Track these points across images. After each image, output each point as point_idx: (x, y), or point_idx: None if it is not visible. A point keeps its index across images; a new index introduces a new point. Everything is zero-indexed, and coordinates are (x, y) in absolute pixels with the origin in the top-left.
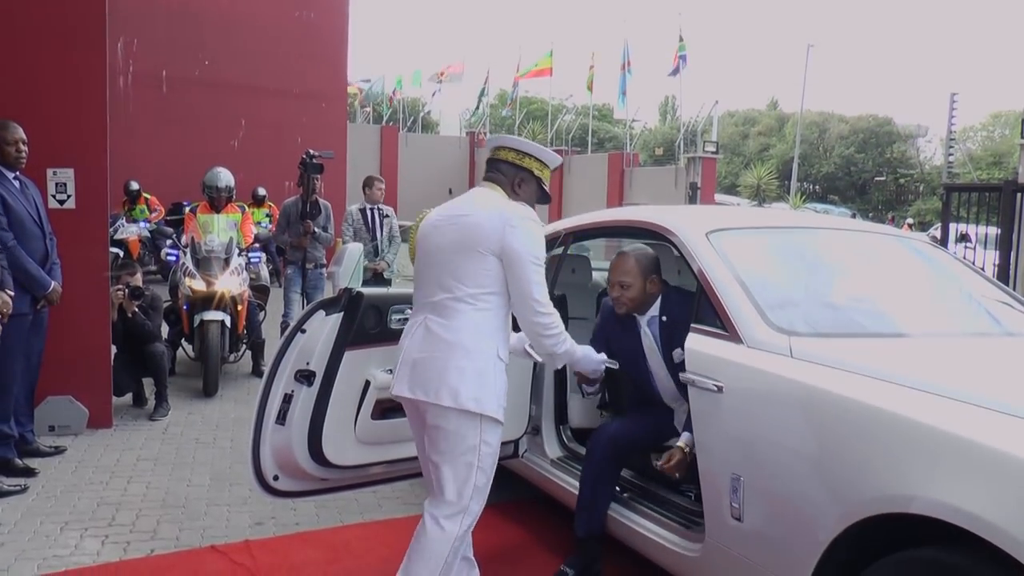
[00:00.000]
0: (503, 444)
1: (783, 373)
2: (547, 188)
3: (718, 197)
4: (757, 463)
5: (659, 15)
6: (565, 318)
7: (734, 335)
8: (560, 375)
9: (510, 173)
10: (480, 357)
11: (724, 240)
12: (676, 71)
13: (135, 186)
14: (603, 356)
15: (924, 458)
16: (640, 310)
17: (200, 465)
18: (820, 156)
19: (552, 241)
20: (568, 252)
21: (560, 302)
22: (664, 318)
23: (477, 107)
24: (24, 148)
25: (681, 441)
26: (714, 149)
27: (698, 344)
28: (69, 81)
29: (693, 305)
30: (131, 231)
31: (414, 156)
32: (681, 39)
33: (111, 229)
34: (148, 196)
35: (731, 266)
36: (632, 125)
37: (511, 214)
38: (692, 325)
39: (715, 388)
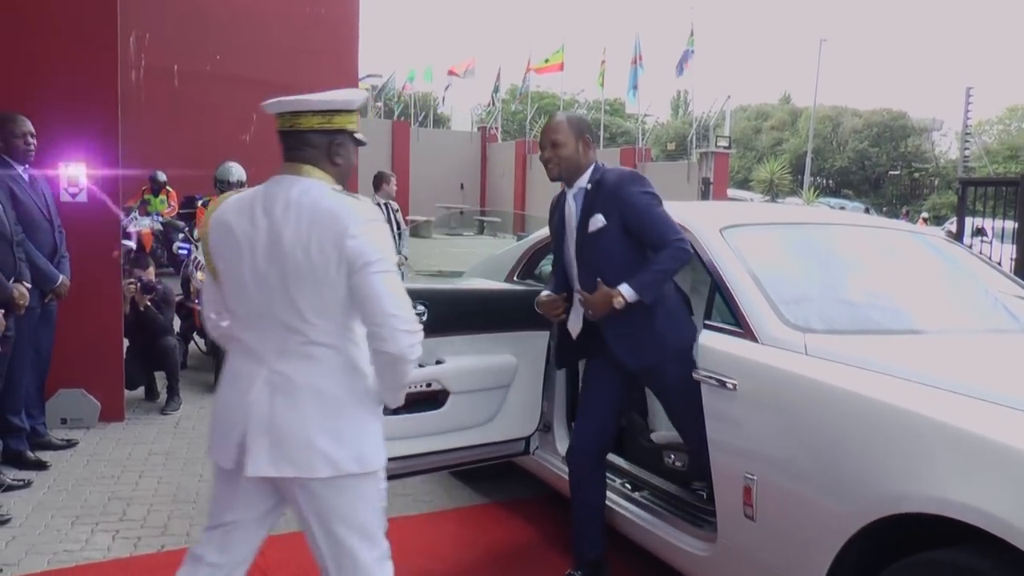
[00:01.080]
0: (514, 441)
1: (798, 371)
2: (361, 135)
3: (731, 192)
4: (771, 462)
5: (673, 8)
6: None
7: (748, 332)
8: (572, 372)
9: (323, 143)
10: (353, 407)
11: (738, 236)
12: (681, 71)
13: (162, 177)
14: None
15: (941, 457)
16: (571, 177)
17: (210, 462)
18: (834, 150)
19: None
20: None
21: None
22: (589, 186)
23: (491, 103)
24: (32, 141)
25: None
26: (726, 144)
27: (712, 341)
28: (81, 76)
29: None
30: (144, 224)
31: (426, 151)
32: (692, 34)
33: (124, 222)
34: (171, 190)
35: (745, 262)
36: (644, 120)
37: (347, 221)
38: (705, 322)
39: (729, 386)
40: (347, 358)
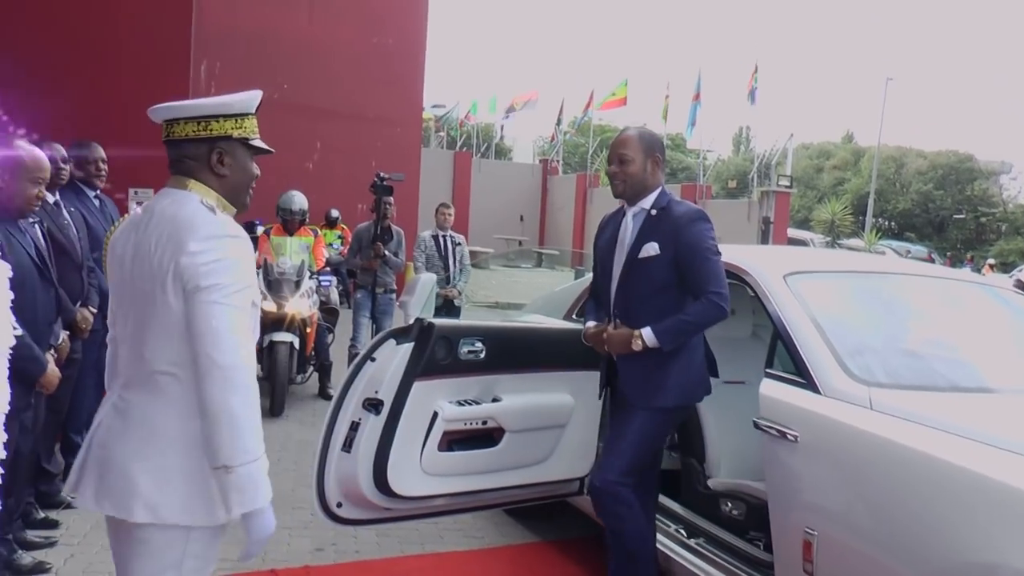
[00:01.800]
0: (569, 481)
1: (862, 426)
2: (259, 140)
3: (791, 232)
4: (833, 518)
5: (738, 43)
6: None
7: (811, 383)
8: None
9: (200, 153)
10: (189, 448)
11: (802, 283)
12: (753, 99)
13: (335, 214)
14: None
15: (1012, 524)
16: (635, 196)
17: None
18: (897, 192)
19: None
20: None
21: None
22: (654, 211)
23: (553, 135)
24: (104, 167)
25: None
26: (788, 183)
27: (773, 390)
28: (153, 104)
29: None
30: None
31: (487, 182)
32: (756, 70)
33: None
34: (345, 227)
35: (809, 311)
36: (705, 155)
37: (187, 236)
38: (766, 370)
39: (790, 438)
40: (191, 392)
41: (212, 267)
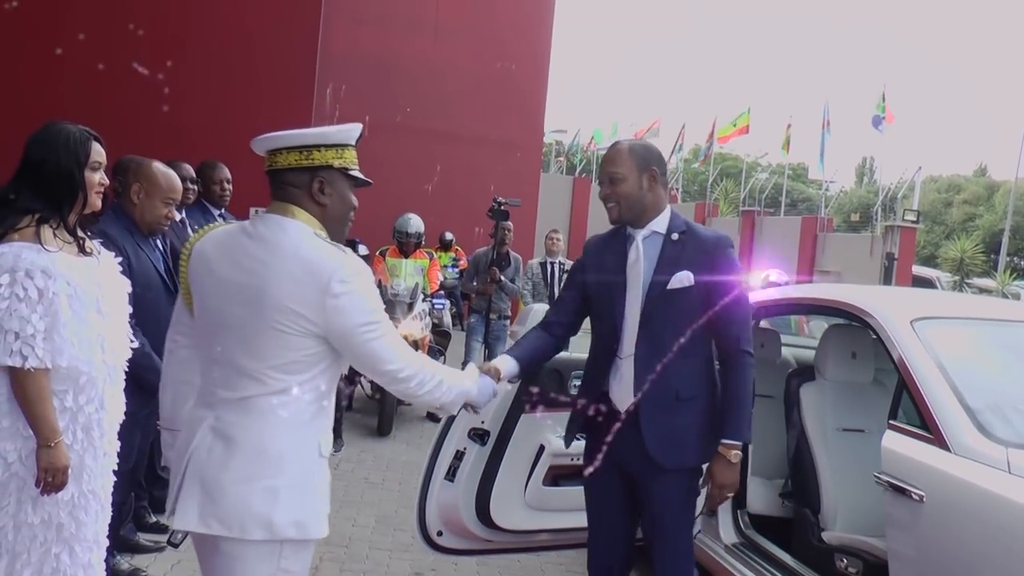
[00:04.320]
0: None
1: (999, 491)
2: (357, 171)
3: (916, 269)
4: None
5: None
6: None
7: (939, 439)
8: (743, 455)
9: (302, 182)
10: (297, 466)
11: (931, 330)
12: (878, 124)
13: (449, 237)
14: (493, 387)
15: None
16: (636, 219)
17: (367, 505)
18: None
19: None
20: (758, 325)
21: None
22: (675, 235)
23: (668, 161)
24: (228, 187)
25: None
26: (914, 218)
27: (897, 444)
28: (278, 126)
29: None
30: None
31: (604, 208)
32: (883, 99)
33: None
34: (459, 248)
35: (938, 360)
36: (827, 187)
37: (329, 280)
38: (890, 421)
39: (915, 497)
40: (300, 413)
41: (362, 305)
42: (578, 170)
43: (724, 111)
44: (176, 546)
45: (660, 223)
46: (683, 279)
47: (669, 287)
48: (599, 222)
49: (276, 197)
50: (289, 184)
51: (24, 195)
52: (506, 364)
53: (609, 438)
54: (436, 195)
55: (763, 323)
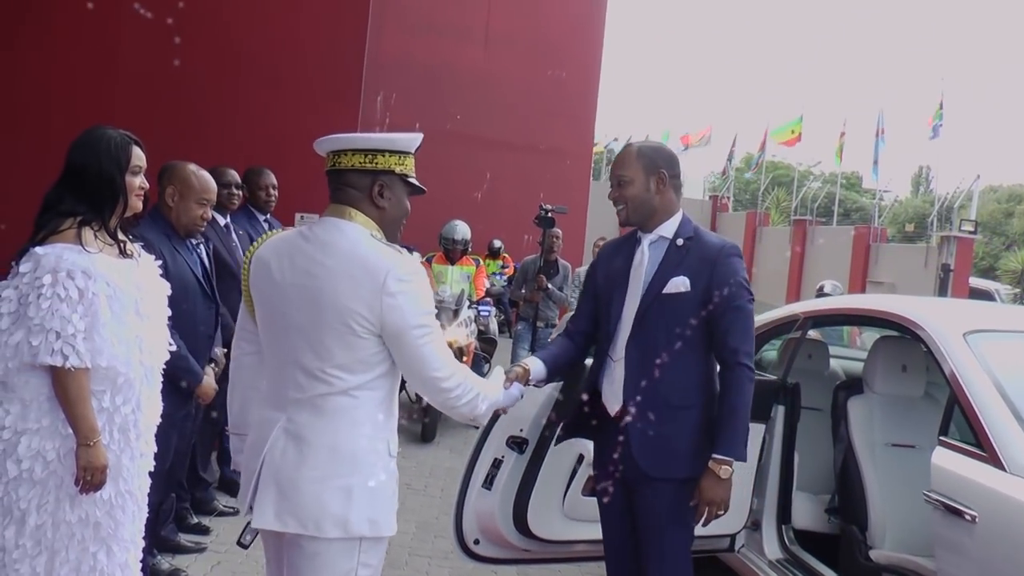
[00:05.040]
0: (719, 537)
1: None
2: (414, 178)
3: (973, 281)
4: None
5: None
6: (796, 407)
7: (993, 458)
8: (787, 469)
9: (363, 184)
10: (369, 465)
11: (986, 343)
12: (936, 132)
13: (497, 244)
14: (519, 389)
15: None
16: (645, 222)
17: (408, 511)
18: None
19: (789, 324)
20: (805, 336)
21: (793, 391)
22: (680, 241)
23: (724, 173)
24: (274, 193)
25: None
26: (972, 229)
27: (947, 461)
28: (325, 132)
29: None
30: None
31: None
32: (941, 106)
33: None
34: (507, 255)
35: (993, 375)
36: (881, 196)
37: (386, 277)
38: (940, 438)
39: (967, 518)
40: (369, 413)
41: (415, 305)
42: None
43: (777, 119)
44: (245, 547)
45: (669, 227)
46: (679, 284)
47: (664, 291)
48: None
49: (335, 199)
50: (350, 185)
51: (67, 199)
52: (535, 365)
53: (604, 443)
54: (485, 202)
55: (812, 334)
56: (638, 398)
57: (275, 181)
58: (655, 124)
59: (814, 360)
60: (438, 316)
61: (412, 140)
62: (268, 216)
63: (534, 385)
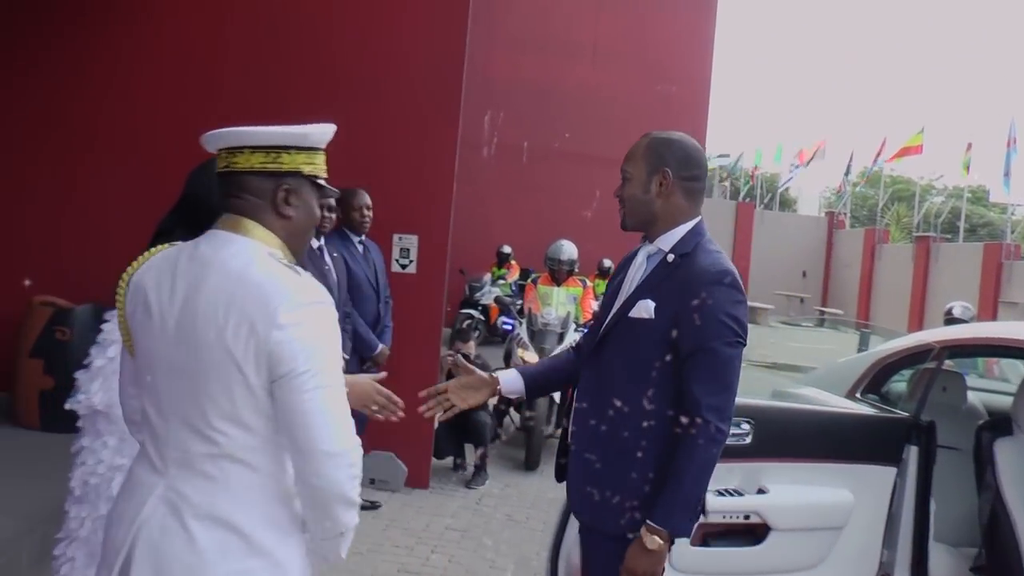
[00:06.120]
0: None
1: None
2: (326, 179)
3: None
4: None
5: None
6: (932, 448)
7: None
8: (922, 518)
9: (265, 189)
10: (273, 544)
11: None
12: None
13: (507, 250)
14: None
15: None
16: (644, 228)
17: (506, 545)
18: None
19: (923, 354)
20: (941, 368)
21: (928, 429)
22: (671, 256)
23: (840, 189)
24: (368, 214)
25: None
26: None
27: None
28: (423, 154)
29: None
30: (493, 295)
31: (769, 234)
32: None
33: (479, 292)
34: (513, 263)
35: None
36: (1013, 211)
37: (278, 305)
38: None
39: None
40: (267, 480)
41: (308, 343)
42: (742, 194)
43: (895, 131)
44: None
45: (669, 239)
46: (643, 309)
47: (629, 315)
48: (764, 248)
49: (228, 208)
50: (248, 191)
51: (179, 231)
52: (507, 377)
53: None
54: (595, 221)
55: (946, 363)
56: (581, 431)
57: (370, 202)
58: (769, 137)
59: (949, 393)
60: (543, 339)
61: (324, 132)
62: (363, 238)
63: (505, 396)
